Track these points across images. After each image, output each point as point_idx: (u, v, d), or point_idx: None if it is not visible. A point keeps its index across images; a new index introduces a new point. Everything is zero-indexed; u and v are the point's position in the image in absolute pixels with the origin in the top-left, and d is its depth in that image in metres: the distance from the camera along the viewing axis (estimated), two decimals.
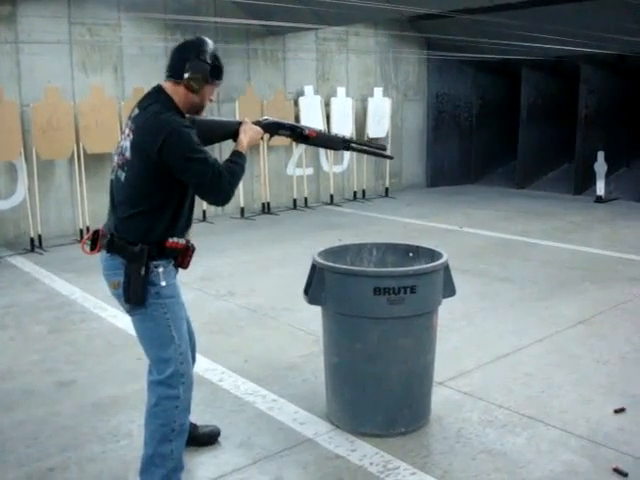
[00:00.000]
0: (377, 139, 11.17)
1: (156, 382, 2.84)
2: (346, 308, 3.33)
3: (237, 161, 2.87)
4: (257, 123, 3.09)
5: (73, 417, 3.67)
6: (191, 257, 2.95)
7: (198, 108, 2.89)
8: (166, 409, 2.81)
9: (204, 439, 3.35)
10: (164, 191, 2.78)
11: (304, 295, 3.46)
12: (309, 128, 3.25)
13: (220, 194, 2.78)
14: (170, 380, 2.80)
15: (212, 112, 8.71)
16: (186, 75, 2.76)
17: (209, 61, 2.80)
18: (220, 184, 2.74)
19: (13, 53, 7.77)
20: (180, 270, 2.93)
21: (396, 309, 3.24)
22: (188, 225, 2.96)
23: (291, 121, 3.41)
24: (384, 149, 3.55)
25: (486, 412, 3.66)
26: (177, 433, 2.84)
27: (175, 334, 2.82)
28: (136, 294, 2.76)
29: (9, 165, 7.71)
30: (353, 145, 3.37)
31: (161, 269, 2.79)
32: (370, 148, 3.57)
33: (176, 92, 2.81)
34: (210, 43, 2.85)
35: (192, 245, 2.95)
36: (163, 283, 2.80)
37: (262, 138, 3.12)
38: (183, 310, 2.94)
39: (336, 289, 3.34)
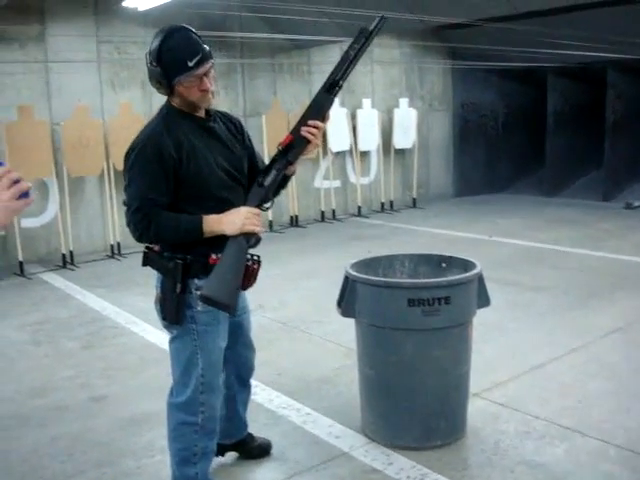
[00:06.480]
0: (403, 150, 11.16)
1: (174, 406, 2.77)
2: (380, 320, 3.31)
3: (184, 224, 2.57)
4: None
5: (107, 433, 3.68)
6: (252, 276, 2.67)
7: (195, 104, 2.72)
8: (184, 434, 2.74)
9: (256, 452, 3.31)
10: (182, 200, 2.66)
11: (337, 307, 3.44)
12: (281, 143, 2.73)
13: (134, 231, 2.64)
14: (187, 407, 2.71)
15: None
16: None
17: (155, 63, 2.60)
18: (136, 221, 2.61)
19: (43, 72, 7.86)
20: None
21: (431, 320, 3.21)
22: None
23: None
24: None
25: (523, 423, 3.61)
26: (200, 456, 2.76)
27: (201, 362, 2.67)
28: (171, 313, 2.63)
29: (40, 183, 7.77)
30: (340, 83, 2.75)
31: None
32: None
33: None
34: (155, 42, 2.57)
35: (254, 260, 2.67)
36: (199, 307, 2.61)
37: (267, 209, 2.73)
38: (219, 339, 2.71)
39: (370, 301, 3.32)
